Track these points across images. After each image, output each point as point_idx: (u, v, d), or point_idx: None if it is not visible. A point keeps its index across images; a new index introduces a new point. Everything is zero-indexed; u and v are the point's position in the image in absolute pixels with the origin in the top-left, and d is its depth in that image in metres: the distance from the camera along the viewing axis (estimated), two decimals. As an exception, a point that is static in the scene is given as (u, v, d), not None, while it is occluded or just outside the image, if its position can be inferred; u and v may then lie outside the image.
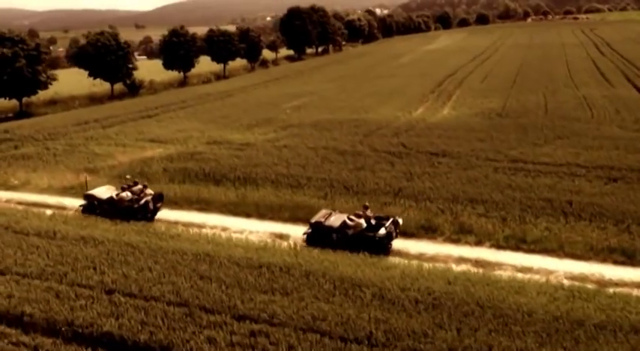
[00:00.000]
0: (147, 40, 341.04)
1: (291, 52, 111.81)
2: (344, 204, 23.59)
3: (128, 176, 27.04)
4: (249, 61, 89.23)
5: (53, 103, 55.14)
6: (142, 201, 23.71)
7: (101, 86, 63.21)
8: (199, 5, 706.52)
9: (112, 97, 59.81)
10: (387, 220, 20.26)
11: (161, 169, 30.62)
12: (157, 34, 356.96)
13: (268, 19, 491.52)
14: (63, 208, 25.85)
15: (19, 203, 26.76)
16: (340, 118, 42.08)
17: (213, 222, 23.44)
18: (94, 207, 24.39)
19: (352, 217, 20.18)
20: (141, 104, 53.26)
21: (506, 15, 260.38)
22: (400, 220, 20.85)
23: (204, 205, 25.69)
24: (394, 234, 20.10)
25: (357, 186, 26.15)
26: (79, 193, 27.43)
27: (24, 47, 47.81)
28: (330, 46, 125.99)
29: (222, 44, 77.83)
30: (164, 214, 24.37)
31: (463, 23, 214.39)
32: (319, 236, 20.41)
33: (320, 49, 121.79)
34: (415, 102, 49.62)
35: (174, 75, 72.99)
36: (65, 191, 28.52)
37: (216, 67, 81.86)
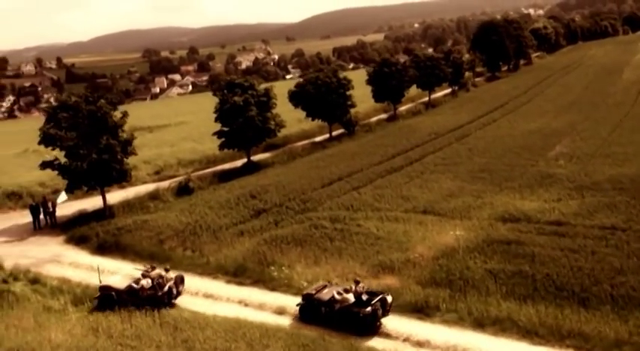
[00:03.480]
0: (299, 53, 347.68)
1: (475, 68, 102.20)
2: None
3: (147, 266, 23.90)
4: (452, 86, 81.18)
5: (273, 147, 50.53)
6: (166, 287, 22.37)
7: (308, 122, 58.30)
8: (346, 14, 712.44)
9: (330, 138, 54.37)
10: (377, 296, 19.67)
11: (481, 270, 23.46)
12: (307, 46, 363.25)
13: (416, 25, 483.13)
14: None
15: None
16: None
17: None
18: (111, 300, 22.40)
19: (340, 292, 20.13)
20: (372, 150, 47.03)
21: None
22: (389, 298, 20.20)
23: (583, 343, 18.25)
24: (380, 312, 19.59)
25: None
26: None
27: (253, 93, 43.31)
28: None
29: (430, 70, 70.61)
30: None
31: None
32: (310, 309, 20.45)
33: (511, 65, 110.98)
34: None
35: (369, 104, 66.13)
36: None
37: (415, 94, 74.73)
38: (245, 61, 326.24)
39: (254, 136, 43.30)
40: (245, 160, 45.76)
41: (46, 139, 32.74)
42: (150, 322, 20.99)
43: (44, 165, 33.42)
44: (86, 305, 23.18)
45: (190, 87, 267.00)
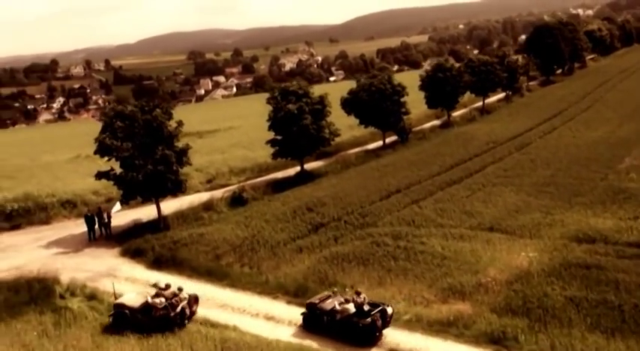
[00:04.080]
0: (342, 55, 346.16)
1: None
2: None
3: (161, 284, 23.08)
4: (506, 90, 78.69)
5: (325, 155, 49.30)
6: (178, 308, 21.56)
7: (359, 129, 56.95)
8: (389, 15, 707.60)
9: (384, 146, 52.97)
10: (377, 307, 19.99)
11: (561, 298, 21.80)
12: (351, 48, 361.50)
13: (461, 26, 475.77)
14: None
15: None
16: None
17: None
18: (125, 318, 21.80)
19: (342, 302, 20.56)
20: (429, 160, 45.42)
21: None
22: (390, 309, 20.44)
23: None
24: (379, 323, 19.78)
25: None
26: (461, 334, 20.14)
27: (308, 101, 42.25)
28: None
29: (484, 75, 68.45)
30: None
31: None
32: (313, 318, 20.92)
33: (565, 68, 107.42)
34: None
35: (421, 109, 64.15)
36: (442, 328, 20.91)
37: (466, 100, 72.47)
38: (289, 63, 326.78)
39: (308, 145, 42.23)
40: (298, 168, 44.80)
41: (102, 149, 32.30)
42: (211, 346, 20.09)
43: (99, 175, 33.00)
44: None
45: (235, 89, 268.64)
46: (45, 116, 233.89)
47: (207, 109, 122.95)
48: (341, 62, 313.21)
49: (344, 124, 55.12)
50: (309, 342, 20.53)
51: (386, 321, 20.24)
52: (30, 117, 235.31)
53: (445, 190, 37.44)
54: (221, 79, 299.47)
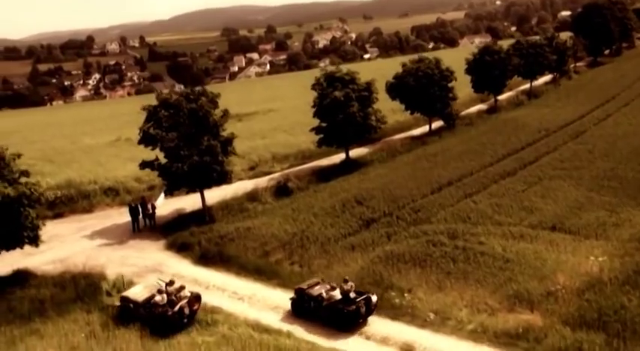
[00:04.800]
0: (376, 32, 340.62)
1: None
2: None
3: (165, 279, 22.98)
4: (553, 73, 75.78)
5: (369, 141, 47.66)
6: (177, 307, 20.87)
7: (403, 113, 55.23)
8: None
9: (430, 133, 51.21)
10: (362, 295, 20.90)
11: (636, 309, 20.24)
12: (385, 24, 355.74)
13: (498, 2, 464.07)
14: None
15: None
16: None
17: None
18: (130, 312, 21.71)
19: (329, 288, 21.40)
20: (479, 149, 43.59)
21: None
22: (374, 298, 21.21)
23: None
24: (364, 310, 20.66)
25: None
26: (532, 349, 18.85)
27: (354, 87, 40.69)
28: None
29: (533, 57, 65.77)
30: None
31: None
32: (301, 303, 21.76)
33: (613, 49, 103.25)
34: None
35: (464, 92, 61.71)
36: (510, 340, 19.56)
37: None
38: (322, 40, 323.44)
39: (354, 133, 40.80)
40: (342, 155, 43.52)
41: (146, 139, 31.38)
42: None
43: (144, 165, 32.17)
44: (194, 327, 21.58)
45: (268, 66, 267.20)
46: (81, 92, 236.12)
47: (242, 89, 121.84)
48: (375, 39, 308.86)
49: (386, 109, 53.37)
50: (296, 326, 21.33)
51: (370, 309, 21.15)
52: (67, 93, 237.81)
53: (499, 182, 35.74)
54: (254, 56, 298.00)
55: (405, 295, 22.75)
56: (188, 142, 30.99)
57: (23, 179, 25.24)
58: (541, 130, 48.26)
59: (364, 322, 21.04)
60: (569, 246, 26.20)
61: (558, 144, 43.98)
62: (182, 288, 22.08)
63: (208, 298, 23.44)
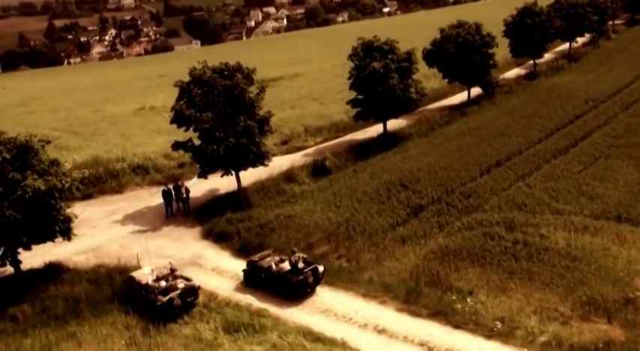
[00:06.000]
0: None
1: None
2: None
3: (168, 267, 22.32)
4: (592, 34, 72.09)
5: (404, 111, 45.16)
6: (166, 297, 20.26)
7: (437, 79, 52.56)
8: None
9: (469, 102, 48.69)
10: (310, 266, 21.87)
11: None
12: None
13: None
14: None
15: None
16: None
17: None
18: (133, 293, 21.77)
19: (279, 260, 22.49)
20: (524, 123, 41.17)
21: None
22: (321, 268, 22.28)
23: None
24: (311, 280, 21.70)
25: None
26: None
27: (394, 58, 38.22)
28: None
29: (573, 18, 62.31)
30: None
31: None
32: (253, 275, 22.84)
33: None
34: None
35: (500, 55, 58.05)
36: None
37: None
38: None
39: (393, 106, 38.52)
40: (377, 127, 41.40)
41: (179, 119, 29.49)
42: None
43: (177, 146, 30.40)
44: (241, 334, 20.09)
45: (285, 21, 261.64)
46: (98, 49, 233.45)
47: (262, 48, 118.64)
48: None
49: (420, 75, 50.92)
50: (248, 295, 22.31)
51: (318, 278, 22.13)
52: (83, 49, 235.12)
53: (551, 162, 33.57)
54: (271, 10, 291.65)
55: (468, 299, 21.00)
56: (223, 123, 29.05)
57: (53, 169, 23.54)
58: (588, 99, 45.57)
59: (312, 292, 22.04)
60: (638, 241, 24.22)
61: (609, 116, 41.41)
62: (176, 277, 21.56)
63: (251, 299, 22.06)
